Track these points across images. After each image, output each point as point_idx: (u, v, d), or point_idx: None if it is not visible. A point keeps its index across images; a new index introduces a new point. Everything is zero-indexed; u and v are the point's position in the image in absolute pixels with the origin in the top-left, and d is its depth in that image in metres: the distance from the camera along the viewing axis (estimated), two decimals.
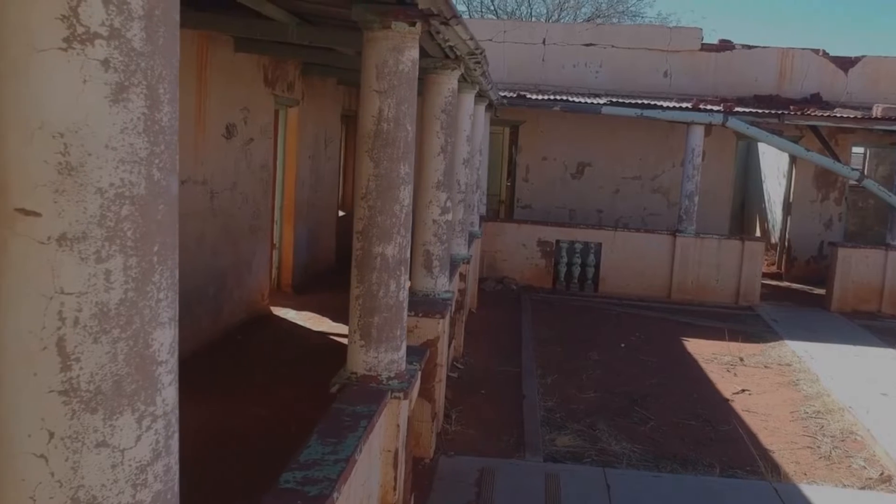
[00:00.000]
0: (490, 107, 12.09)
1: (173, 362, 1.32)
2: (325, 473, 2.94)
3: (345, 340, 9.10)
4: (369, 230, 3.99)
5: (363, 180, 3.99)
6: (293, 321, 9.91)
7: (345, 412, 3.60)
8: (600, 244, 13.21)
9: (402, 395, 3.97)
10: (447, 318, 6.15)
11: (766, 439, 7.23)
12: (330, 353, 8.73)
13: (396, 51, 3.86)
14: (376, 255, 4.00)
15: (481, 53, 5.80)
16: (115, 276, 1.19)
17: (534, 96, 13.48)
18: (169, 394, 1.30)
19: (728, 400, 8.29)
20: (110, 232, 1.18)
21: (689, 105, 12.95)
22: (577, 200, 15.21)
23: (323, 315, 10.21)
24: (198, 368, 7.67)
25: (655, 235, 13.21)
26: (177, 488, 1.36)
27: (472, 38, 4.86)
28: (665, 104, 13.03)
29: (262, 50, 8.79)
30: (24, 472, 1.20)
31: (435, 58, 6.12)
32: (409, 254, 6.68)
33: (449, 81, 6.27)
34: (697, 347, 10.18)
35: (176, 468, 1.36)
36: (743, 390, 8.58)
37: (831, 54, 15.11)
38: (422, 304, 6.13)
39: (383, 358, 4.03)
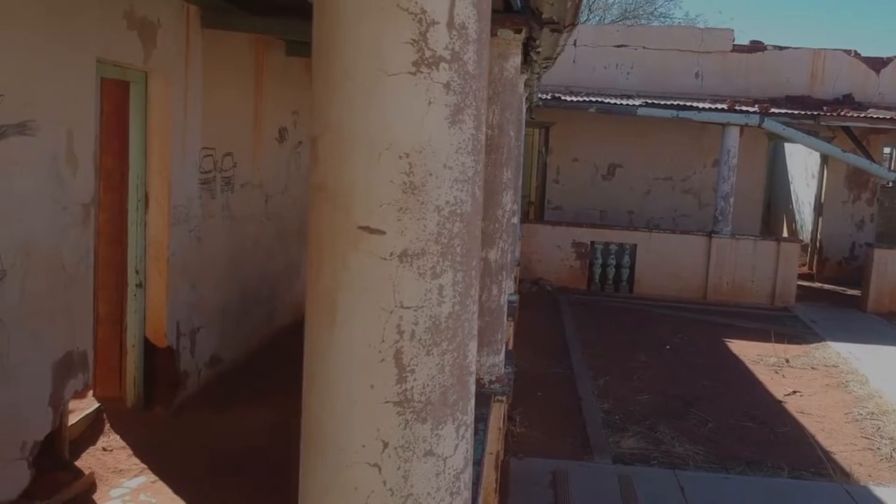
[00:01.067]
0: (528, 108, 12.11)
1: (474, 371, 1.36)
2: None
3: None
4: None
5: None
6: None
7: None
8: (635, 245, 13.23)
9: (504, 398, 4.02)
10: (514, 320, 6.18)
11: (824, 441, 7.25)
12: None
13: (501, 58, 3.90)
14: (480, 260, 4.04)
15: (555, 58, 5.84)
16: (447, 291, 1.23)
17: (567, 98, 13.51)
18: (473, 403, 1.35)
19: (780, 402, 8.31)
20: (444, 248, 1.22)
21: (725, 106, 12.96)
22: (608, 201, 15.22)
23: None
24: (261, 371, 7.72)
25: (691, 237, 13.22)
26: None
27: (563, 45, 4.90)
28: (700, 105, 13.05)
29: (307, 54, 8.84)
30: (357, 481, 1.25)
31: None
32: None
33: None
34: (741, 349, 10.19)
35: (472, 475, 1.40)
36: (794, 392, 8.60)
37: (863, 55, 15.09)
38: None
39: (485, 361, 4.07)
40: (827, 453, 6.88)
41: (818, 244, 15.55)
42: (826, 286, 14.95)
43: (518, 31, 3.86)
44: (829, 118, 12.91)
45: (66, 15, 4.58)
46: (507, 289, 4.17)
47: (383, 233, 1.19)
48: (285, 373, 7.79)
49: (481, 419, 3.64)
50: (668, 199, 15.18)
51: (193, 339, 6.63)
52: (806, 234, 16.48)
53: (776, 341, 10.09)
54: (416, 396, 1.22)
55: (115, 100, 6.02)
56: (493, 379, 4.08)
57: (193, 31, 6.25)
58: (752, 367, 9.46)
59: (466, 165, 1.24)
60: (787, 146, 17.49)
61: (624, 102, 13.30)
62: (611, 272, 13.28)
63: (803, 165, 17.18)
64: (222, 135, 6.97)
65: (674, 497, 5.65)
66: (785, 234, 17.83)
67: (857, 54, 15.10)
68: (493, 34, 3.90)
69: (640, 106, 13.03)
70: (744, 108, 12.96)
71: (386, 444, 1.23)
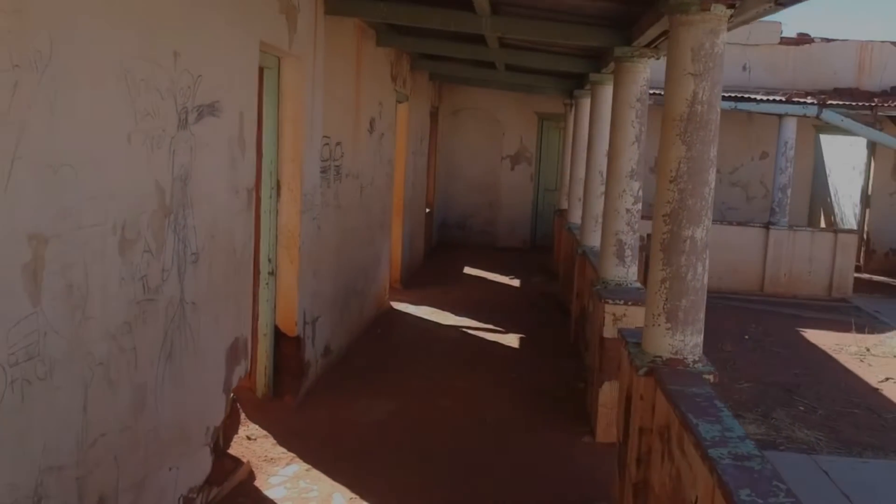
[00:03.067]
0: None
1: None
2: (744, 450, 2.96)
3: (480, 333, 9.13)
4: (678, 213, 4.01)
5: (673, 163, 4.00)
6: (418, 315, 9.92)
7: (686, 394, 3.62)
8: None
9: (711, 377, 3.98)
10: None
11: None
12: (475, 345, 8.75)
13: (713, 34, 3.88)
14: (685, 238, 4.01)
15: None
16: None
17: None
18: None
19: (876, 388, 8.30)
20: None
21: (783, 98, 12.96)
22: (655, 195, 15.17)
23: (442, 310, 10.23)
24: (364, 362, 7.68)
25: (748, 229, 13.21)
26: None
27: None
28: (757, 97, 13.05)
29: (397, 44, 8.80)
30: None
31: (633, 47, 6.14)
32: (601, 242, 6.70)
33: (644, 70, 6.28)
34: (818, 338, 10.19)
35: None
36: (887, 378, 8.60)
37: None
38: (624, 293, 6.14)
39: (689, 341, 4.03)
40: None
41: (865, 236, 15.57)
42: (875, 277, 15.00)
43: (731, 7, 3.84)
44: (886, 108, 12.92)
45: None
46: (707, 267, 4.14)
47: None
48: (388, 364, 7.78)
49: (713, 397, 3.61)
50: (716, 192, 15.05)
51: (314, 329, 6.59)
52: (846, 227, 16.49)
53: (856, 331, 10.09)
54: None
55: None
56: (697, 359, 4.05)
57: (319, 17, 6.20)
58: (835, 355, 9.46)
59: None
60: (823, 138, 17.50)
61: None
62: None
63: (844, 158, 17.19)
64: (335, 123, 6.93)
65: (820, 481, 5.62)
66: (822, 226, 17.85)
67: None
68: (706, 9, 3.87)
69: None
70: (801, 100, 12.96)
71: None
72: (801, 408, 7.51)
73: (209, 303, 4.30)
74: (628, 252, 6.44)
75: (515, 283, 12.77)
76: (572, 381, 7.48)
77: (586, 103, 10.65)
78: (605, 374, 5.97)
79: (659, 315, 4.06)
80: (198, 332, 4.16)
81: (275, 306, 6.06)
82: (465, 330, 9.36)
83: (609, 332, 5.93)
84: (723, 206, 15.08)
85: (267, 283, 5.98)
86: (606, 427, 5.96)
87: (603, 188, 8.49)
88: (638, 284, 6.52)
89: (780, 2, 3.62)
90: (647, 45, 6.15)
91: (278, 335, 6.14)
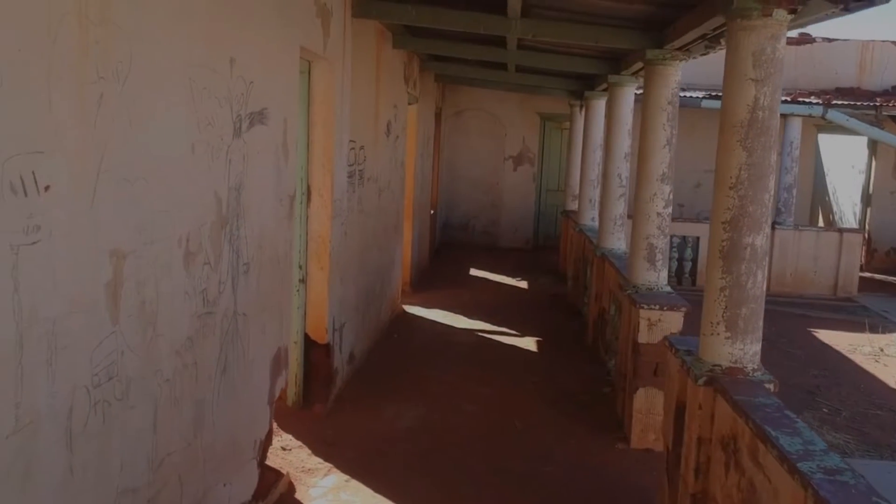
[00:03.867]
0: None
1: None
2: (831, 463, 2.91)
3: (495, 337, 9.07)
4: (739, 220, 3.95)
5: (733, 170, 3.95)
6: (432, 319, 9.84)
7: (755, 404, 3.57)
8: (698, 238, 13.19)
9: (772, 386, 3.94)
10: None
11: None
12: (492, 349, 8.68)
13: (774, 39, 3.83)
14: (745, 246, 3.96)
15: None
16: None
17: None
18: None
19: (895, 389, 8.32)
20: None
21: (788, 97, 12.98)
22: (713, 200, 15.19)
23: (454, 312, 10.16)
24: (387, 367, 7.60)
25: None
26: None
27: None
28: None
29: (412, 46, 8.73)
30: None
31: (665, 50, 6.09)
32: (630, 246, 6.65)
33: (675, 73, 6.26)
34: (831, 339, 10.20)
35: None
36: None
37: None
38: (657, 298, 6.10)
39: (748, 350, 3.99)
40: None
41: (867, 235, 15.64)
42: (877, 276, 15.05)
43: (792, 12, 3.79)
44: (890, 108, 12.97)
45: (283, 2, 4.45)
46: (766, 276, 4.10)
47: None
48: (409, 369, 7.70)
49: (782, 407, 3.57)
50: None
51: (341, 335, 6.50)
52: (845, 226, 16.57)
53: (869, 331, 10.12)
54: None
55: None
56: (756, 367, 4.01)
57: (347, 19, 6.12)
58: (850, 356, 9.47)
59: None
60: (822, 137, 17.57)
61: (685, 94, 13.26)
62: (673, 265, 13.24)
63: (842, 157, 17.26)
64: (359, 127, 6.85)
65: None
66: (821, 225, 17.91)
67: None
68: (768, 14, 3.82)
69: (703, 98, 13.02)
70: (806, 100, 12.98)
71: None
72: (826, 410, 7.51)
73: (257, 313, 4.21)
74: (659, 256, 6.40)
75: (523, 284, 12.72)
76: (596, 385, 7.43)
77: (598, 105, 10.63)
78: (639, 379, 5.92)
79: (718, 323, 4.01)
80: (247, 344, 4.08)
81: (304, 314, 5.97)
82: (480, 334, 9.30)
83: (644, 337, 5.88)
84: None
85: (297, 291, 5.88)
86: (641, 433, 5.92)
87: (621, 191, 8.49)
88: (669, 289, 6.48)
89: (847, 7, 3.57)
90: (680, 48, 6.11)
91: (307, 343, 6.05)
